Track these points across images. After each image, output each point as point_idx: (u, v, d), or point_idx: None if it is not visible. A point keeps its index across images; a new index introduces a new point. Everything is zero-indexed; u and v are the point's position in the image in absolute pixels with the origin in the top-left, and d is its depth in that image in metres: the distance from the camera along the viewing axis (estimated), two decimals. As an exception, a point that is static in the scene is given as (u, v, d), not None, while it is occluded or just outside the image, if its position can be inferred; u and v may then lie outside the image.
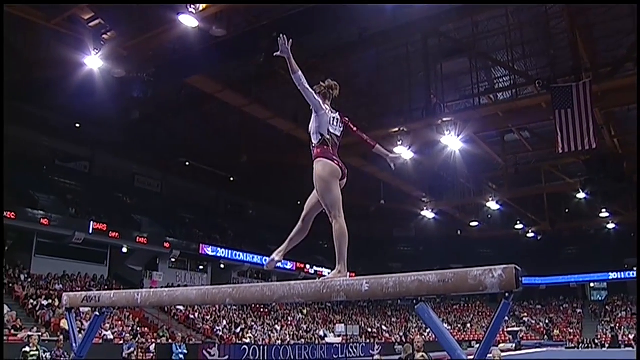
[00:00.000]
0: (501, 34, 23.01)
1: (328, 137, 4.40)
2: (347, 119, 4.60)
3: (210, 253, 34.41)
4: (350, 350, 29.65)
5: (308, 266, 40.53)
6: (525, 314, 47.08)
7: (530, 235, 40.22)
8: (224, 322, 29.40)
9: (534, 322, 45.98)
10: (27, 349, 13.84)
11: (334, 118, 4.48)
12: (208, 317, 29.51)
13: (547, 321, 45.58)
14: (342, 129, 4.52)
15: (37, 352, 13.84)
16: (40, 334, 18.74)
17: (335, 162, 4.31)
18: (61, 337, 16.91)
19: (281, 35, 4.33)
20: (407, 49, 22.82)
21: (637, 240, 17.50)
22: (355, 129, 4.61)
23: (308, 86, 4.38)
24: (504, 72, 25.63)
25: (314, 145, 4.44)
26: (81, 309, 18.81)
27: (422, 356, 9.04)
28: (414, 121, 23.07)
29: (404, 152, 23.62)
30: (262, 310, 34.24)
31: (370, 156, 27.17)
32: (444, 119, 21.91)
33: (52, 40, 19.07)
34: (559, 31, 21.79)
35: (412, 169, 27.74)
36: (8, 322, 19.78)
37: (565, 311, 47.47)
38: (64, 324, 19.20)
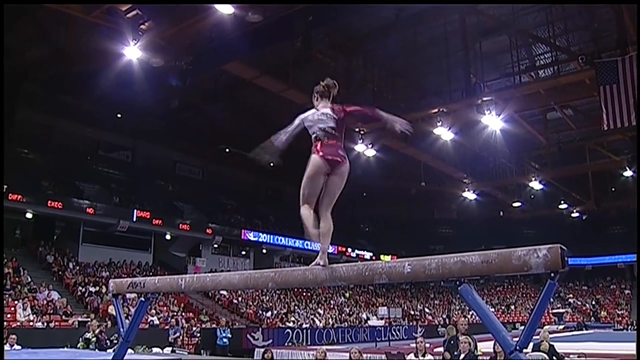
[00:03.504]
0: (541, 9, 22.41)
1: (318, 132, 4.49)
2: (341, 106, 4.62)
3: (252, 238, 34.73)
4: (393, 332, 29.64)
5: (350, 249, 40.61)
6: (571, 295, 46.33)
7: (575, 214, 39.45)
8: (267, 307, 29.70)
9: (579, 303, 45.25)
10: (88, 335, 14.41)
11: (322, 113, 4.57)
12: (251, 302, 29.85)
13: (593, 302, 44.78)
14: (336, 118, 4.52)
15: (95, 338, 14.37)
16: (89, 319, 19.34)
17: (320, 155, 4.39)
18: (109, 322, 17.39)
19: None
20: (445, 29, 22.46)
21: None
22: (349, 108, 4.61)
23: (288, 130, 4.71)
24: (545, 48, 25.00)
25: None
26: (127, 295, 19.22)
27: (466, 338, 8.97)
28: (453, 102, 22.76)
29: (443, 133, 23.43)
30: (304, 294, 34.48)
31: (410, 138, 27.02)
32: (484, 99, 21.55)
33: (92, 33, 19.35)
34: (602, 4, 21.13)
35: (452, 150, 27.45)
36: (59, 308, 20.39)
37: (612, 292, 46.53)
38: (111, 309, 19.67)
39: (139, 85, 20.15)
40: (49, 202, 25.77)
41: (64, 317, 19.96)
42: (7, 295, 20.00)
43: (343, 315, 33.36)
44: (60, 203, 26.11)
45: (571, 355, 12.77)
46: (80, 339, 14.35)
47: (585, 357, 13.17)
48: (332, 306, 34.70)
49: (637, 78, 16.20)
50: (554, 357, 10.60)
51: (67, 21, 19.32)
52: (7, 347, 13.42)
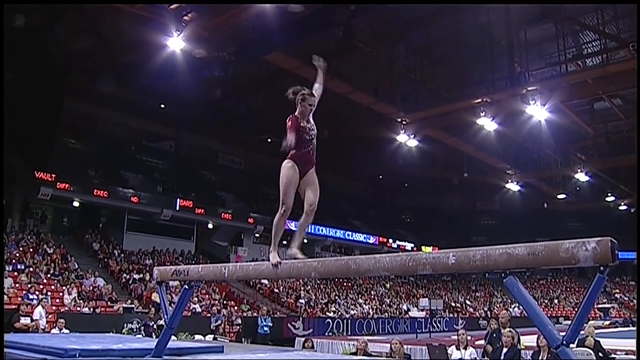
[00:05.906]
0: (589, -4, 21.87)
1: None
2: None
3: (293, 228, 33.46)
4: (434, 324, 29.45)
5: (391, 240, 40.47)
6: (618, 291, 45.23)
7: (623, 207, 38.55)
8: (308, 296, 29.82)
9: (627, 299, 44.14)
10: (161, 322, 14.94)
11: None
12: (292, 292, 30.01)
13: (641, 298, 43.67)
14: None
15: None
16: (133, 305, 19.76)
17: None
18: (152, 309, 17.70)
19: None
20: (489, 16, 22.06)
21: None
22: None
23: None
24: (593, 36, 24.38)
25: None
26: (170, 283, 19.53)
27: (509, 331, 8.85)
28: (497, 91, 22.42)
29: (487, 124, 23.10)
30: (345, 284, 34.51)
31: (453, 128, 26.75)
32: (529, 88, 21.18)
33: (136, 24, 19.62)
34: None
35: (495, 140, 27.04)
36: (105, 294, 20.85)
37: (662, 287, 45.28)
38: (155, 297, 20.00)
39: (182, 76, 20.37)
40: (95, 191, 26.35)
41: (109, 303, 20.40)
42: (55, 281, 20.57)
43: (384, 306, 33.30)
44: (105, 192, 26.67)
45: (618, 352, 12.47)
46: (157, 328, 14.98)
47: (634, 354, 12.84)
48: (372, 297, 34.67)
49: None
50: (600, 353, 10.36)
51: (111, 13, 19.62)
52: (55, 330, 13.82)
